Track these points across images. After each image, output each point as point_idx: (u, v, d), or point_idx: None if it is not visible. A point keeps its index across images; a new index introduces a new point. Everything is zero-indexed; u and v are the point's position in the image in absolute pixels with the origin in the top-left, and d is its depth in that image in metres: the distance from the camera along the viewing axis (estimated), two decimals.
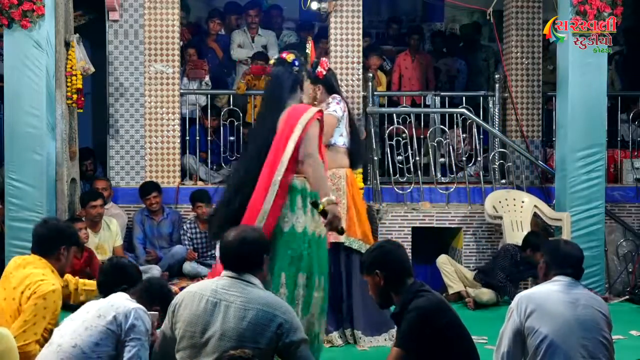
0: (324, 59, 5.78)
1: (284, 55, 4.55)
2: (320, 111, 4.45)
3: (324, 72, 5.62)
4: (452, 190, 7.81)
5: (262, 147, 4.31)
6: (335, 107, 5.60)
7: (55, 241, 4.34)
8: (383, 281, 3.59)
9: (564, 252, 3.74)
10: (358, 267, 5.41)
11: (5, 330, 3.73)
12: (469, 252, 7.47)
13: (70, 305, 4.86)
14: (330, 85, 5.70)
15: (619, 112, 8.44)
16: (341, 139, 5.65)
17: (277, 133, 4.29)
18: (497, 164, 7.96)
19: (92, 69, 7.25)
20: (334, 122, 5.55)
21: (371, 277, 3.64)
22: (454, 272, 6.98)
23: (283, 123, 4.30)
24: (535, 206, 7.38)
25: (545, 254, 3.79)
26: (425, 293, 3.53)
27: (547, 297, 3.55)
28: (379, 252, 3.67)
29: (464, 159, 8.01)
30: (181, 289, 6.66)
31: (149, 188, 7.54)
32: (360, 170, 7.54)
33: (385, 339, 5.47)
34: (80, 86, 7.08)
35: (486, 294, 6.76)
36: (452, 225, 7.49)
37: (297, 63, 4.48)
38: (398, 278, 3.59)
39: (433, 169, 8.01)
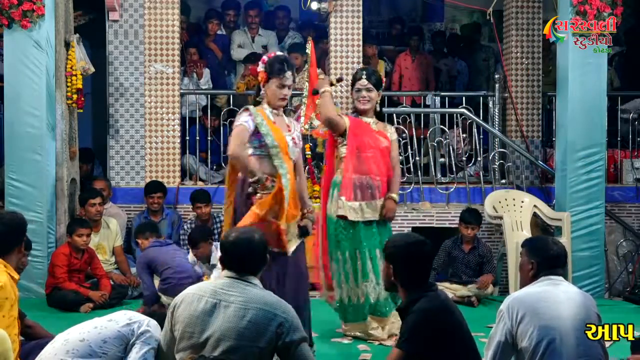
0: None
1: None
2: None
3: None
4: (452, 190, 7.81)
5: None
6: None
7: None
8: (393, 275, 3.62)
9: (553, 252, 3.64)
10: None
11: (2, 331, 3.72)
12: None
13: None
14: None
15: (619, 112, 8.44)
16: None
17: None
18: (497, 164, 7.95)
19: (92, 69, 7.26)
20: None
21: (385, 263, 3.68)
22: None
23: None
24: (535, 206, 7.37)
25: (533, 254, 3.65)
26: (430, 294, 3.53)
27: (540, 299, 3.49)
28: (397, 251, 3.63)
29: (464, 159, 8.01)
30: None
31: (154, 187, 7.52)
32: None
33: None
34: (80, 86, 7.08)
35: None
36: (452, 225, 7.47)
37: None
38: (407, 279, 3.60)
39: (433, 169, 8.00)
